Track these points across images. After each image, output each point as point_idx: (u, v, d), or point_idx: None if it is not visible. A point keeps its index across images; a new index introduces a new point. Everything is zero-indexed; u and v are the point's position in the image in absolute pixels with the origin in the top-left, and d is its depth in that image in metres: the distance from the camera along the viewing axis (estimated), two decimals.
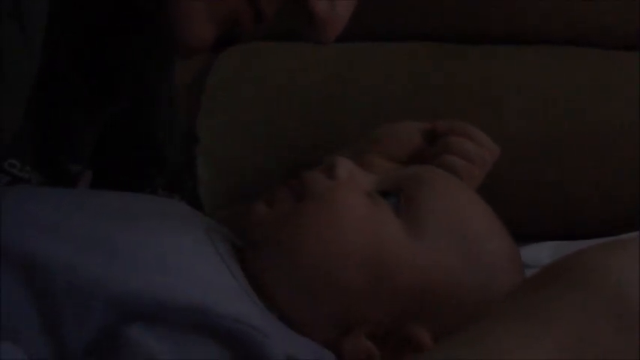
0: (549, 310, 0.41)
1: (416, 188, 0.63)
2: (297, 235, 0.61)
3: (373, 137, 0.83)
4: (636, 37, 1.26)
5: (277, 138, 1.25)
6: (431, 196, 0.63)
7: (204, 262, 0.60)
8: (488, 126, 0.84)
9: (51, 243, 0.58)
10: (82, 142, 0.77)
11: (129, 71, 0.79)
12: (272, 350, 0.55)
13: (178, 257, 0.59)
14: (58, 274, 0.56)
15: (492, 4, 1.29)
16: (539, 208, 1.21)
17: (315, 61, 1.27)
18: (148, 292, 0.56)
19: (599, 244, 0.46)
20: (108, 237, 0.59)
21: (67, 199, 0.64)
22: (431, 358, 0.44)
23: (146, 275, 0.57)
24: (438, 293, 0.61)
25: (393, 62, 1.27)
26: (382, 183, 0.65)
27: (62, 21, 0.66)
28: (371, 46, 1.29)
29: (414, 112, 1.14)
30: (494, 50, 1.27)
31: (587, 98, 1.23)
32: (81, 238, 0.59)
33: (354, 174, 0.65)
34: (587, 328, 0.41)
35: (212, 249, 0.62)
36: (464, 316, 0.57)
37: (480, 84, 1.25)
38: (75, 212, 0.62)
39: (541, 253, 1.06)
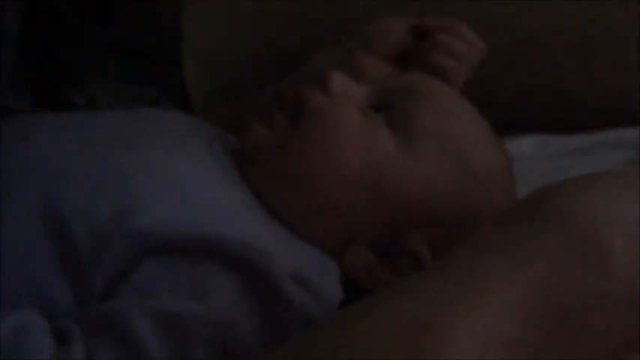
0: (522, 248, 0.43)
1: (410, 102, 0.64)
2: (295, 156, 0.63)
3: (362, 35, 0.84)
4: None
5: (266, 19, 1.23)
6: (425, 110, 0.64)
7: (210, 183, 0.62)
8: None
9: (63, 187, 0.59)
10: (84, 71, 0.76)
11: None
12: (278, 273, 0.57)
13: (185, 183, 0.61)
14: (75, 218, 0.58)
15: None
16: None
17: None
18: (159, 227, 0.57)
19: (571, 181, 0.47)
20: (114, 171, 0.60)
21: (67, 132, 0.65)
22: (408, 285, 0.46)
23: (156, 208, 0.58)
24: (432, 205, 0.62)
25: None
26: (376, 94, 0.66)
27: None
28: None
29: None
30: None
31: None
32: (90, 176, 0.60)
33: (347, 88, 0.65)
34: (557, 265, 0.43)
35: (216, 165, 0.63)
36: (458, 225, 0.60)
37: None
38: (78, 146, 0.63)
39: (524, 145, 1.08)
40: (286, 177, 0.63)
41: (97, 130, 0.65)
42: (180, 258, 0.57)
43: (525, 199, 0.47)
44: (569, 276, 0.43)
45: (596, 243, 0.43)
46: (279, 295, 0.57)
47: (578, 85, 1.24)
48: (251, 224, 0.60)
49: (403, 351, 0.40)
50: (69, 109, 0.72)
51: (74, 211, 0.58)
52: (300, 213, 0.62)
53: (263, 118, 0.66)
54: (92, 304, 0.57)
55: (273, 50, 1.21)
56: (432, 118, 0.64)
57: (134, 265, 0.57)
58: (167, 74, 0.91)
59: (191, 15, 1.24)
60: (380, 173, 0.63)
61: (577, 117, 1.22)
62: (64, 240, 0.57)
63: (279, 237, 0.61)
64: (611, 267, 0.43)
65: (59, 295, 0.57)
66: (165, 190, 0.60)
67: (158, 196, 0.59)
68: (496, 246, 0.44)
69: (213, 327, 0.55)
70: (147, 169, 0.61)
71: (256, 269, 0.57)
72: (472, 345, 0.41)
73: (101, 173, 0.60)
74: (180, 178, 0.61)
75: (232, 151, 0.66)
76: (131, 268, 0.57)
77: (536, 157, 1.07)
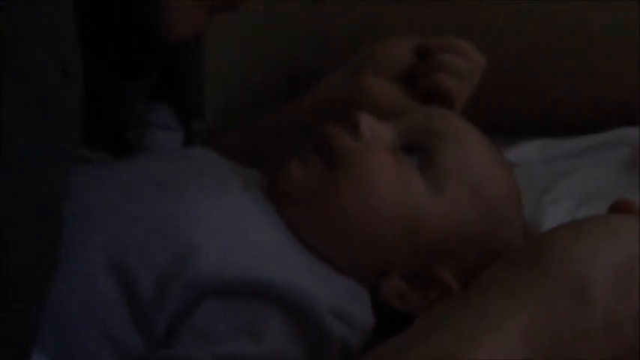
0: (525, 292, 0.53)
1: (434, 144, 0.70)
2: (333, 200, 0.67)
3: (369, 55, 0.87)
4: None
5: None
6: (447, 150, 0.70)
7: (253, 225, 0.66)
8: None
9: (123, 237, 0.63)
10: (131, 111, 0.79)
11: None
12: (320, 310, 0.62)
13: (232, 227, 0.65)
14: (139, 267, 0.62)
15: None
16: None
17: None
18: (214, 272, 0.62)
19: (561, 231, 0.56)
20: (167, 219, 0.65)
21: (120, 182, 0.69)
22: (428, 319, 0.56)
23: (209, 254, 0.62)
24: (457, 239, 0.68)
25: None
26: (401, 135, 0.71)
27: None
28: None
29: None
30: None
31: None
32: (146, 226, 0.64)
33: (376, 131, 0.70)
34: (552, 304, 0.53)
35: (255, 206, 0.68)
36: (480, 255, 0.68)
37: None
38: (132, 196, 0.67)
39: (526, 151, 1.12)
40: (324, 219, 0.68)
41: (147, 179, 0.69)
42: (235, 300, 0.62)
43: (526, 248, 0.57)
44: (561, 313, 0.52)
45: (580, 285, 0.53)
46: (323, 330, 0.62)
47: (576, 88, 1.28)
48: (292, 265, 0.65)
49: None
50: (121, 147, 0.76)
51: (137, 260, 0.62)
52: (337, 250, 0.67)
53: (297, 158, 0.70)
54: (157, 348, 0.61)
55: (284, 68, 1.25)
56: (454, 158, 0.70)
57: (193, 308, 0.61)
58: (190, 95, 0.94)
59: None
60: (412, 213, 0.68)
61: (577, 120, 1.26)
62: (132, 289, 0.62)
63: (317, 273, 0.66)
64: (592, 303, 0.52)
65: (133, 343, 0.61)
66: (214, 235, 0.64)
67: (209, 242, 0.63)
68: (505, 290, 0.54)
69: None
70: (196, 215, 0.65)
71: (300, 308, 0.62)
72: None
73: (155, 222, 0.64)
74: (226, 223, 0.65)
75: (266, 189, 0.71)
76: (190, 311, 0.61)
77: (538, 161, 1.11)
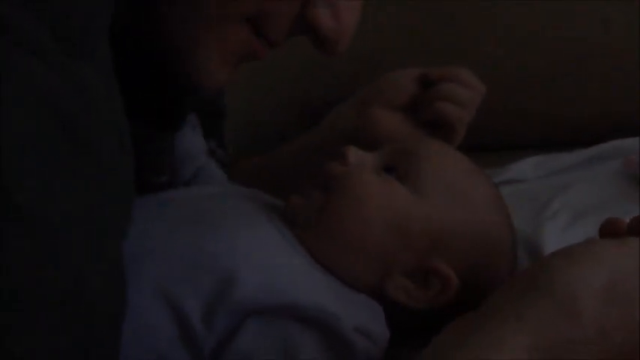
0: (525, 313, 0.62)
1: (413, 162, 0.78)
2: (333, 217, 0.75)
3: (375, 87, 0.94)
4: None
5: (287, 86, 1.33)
6: (423, 165, 0.78)
7: (281, 250, 0.74)
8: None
9: (169, 267, 0.70)
10: (159, 157, 0.84)
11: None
12: (345, 328, 0.70)
13: (264, 253, 0.73)
14: (187, 295, 0.69)
15: None
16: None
17: None
18: (254, 297, 0.69)
19: (555, 257, 0.66)
20: (207, 250, 0.71)
21: (160, 215, 0.75)
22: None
23: (247, 280, 0.69)
24: (445, 234, 0.76)
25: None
26: (383, 158, 0.79)
27: None
28: None
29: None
30: None
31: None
32: (188, 256, 0.71)
33: (360, 157, 0.78)
34: (549, 322, 0.61)
35: (278, 232, 0.75)
36: (469, 246, 0.76)
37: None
38: (173, 229, 0.74)
39: (525, 167, 1.17)
40: (327, 238, 0.75)
41: (187, 214, 0.76)
42: (273, 321, 0.69)
43: (524, 272, 0.66)
44: (557, 329, 0.61)
45: (570, 300, 0.62)
46: (349, 347, 0.70)
47: (576, 105, 1.33)
48: (319, 287, 0.72)
49: None
50: (155, 188, 0.81)
51: (186, 291, 0.69)
52: (343, 261, 0.75)
53: (297, 192, 0.78)
54: None
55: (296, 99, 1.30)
56: (430, 169, 0.78)
57: (236, 331, 0.68)
58: (217, 125, 1.00)
59: None
60: (401, 214, 0.76)
61: (575, 133, 1.29)
62: (182, 317, 0.68)
63: (339, 293, 0.73)
64: (581, 314, 0.61)
65: None
66: (251, 265, 0.71)
67: (247, 271, 0.70)
68: (507, 313, 0.62)
69: None
70: (234, 247, 0.72)
71: (328, 327, 0.69)
72: None
73: (198, 256, 0.71)
74: (260, 253, 0.72)
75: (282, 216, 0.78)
76: (234, 333, 0.68)
77: (536, 176, 1.14)
